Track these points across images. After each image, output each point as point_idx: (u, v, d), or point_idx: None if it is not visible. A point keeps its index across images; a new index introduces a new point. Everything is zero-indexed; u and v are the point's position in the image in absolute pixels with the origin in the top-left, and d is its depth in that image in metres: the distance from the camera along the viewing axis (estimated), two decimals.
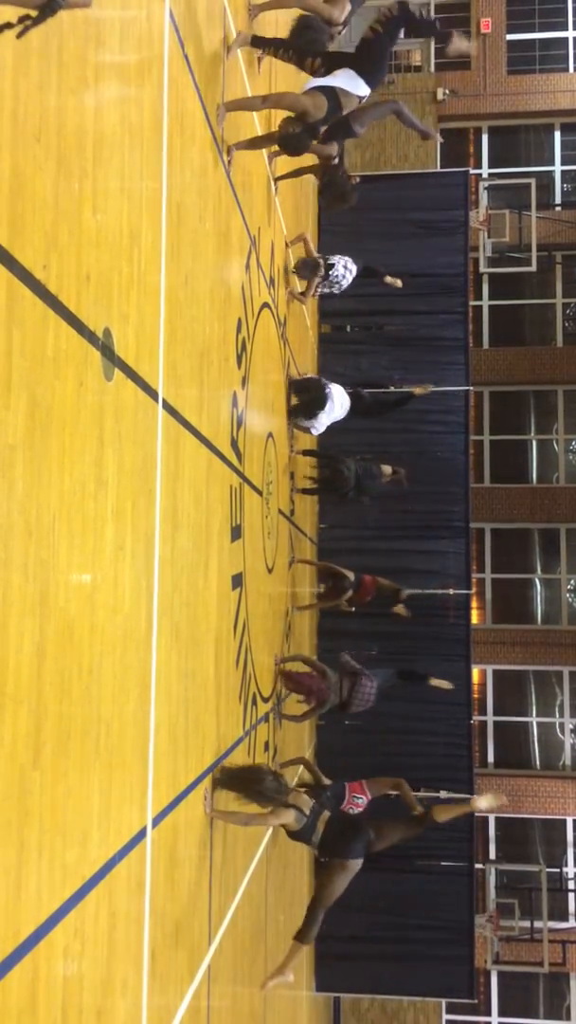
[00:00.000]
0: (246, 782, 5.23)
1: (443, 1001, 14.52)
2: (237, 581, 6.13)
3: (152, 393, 3.88)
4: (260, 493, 7.35)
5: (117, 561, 3.42)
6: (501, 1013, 15.35)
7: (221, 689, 5.58)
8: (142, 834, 3.76)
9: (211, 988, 5.12)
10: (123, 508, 3.52)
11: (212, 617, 5.28)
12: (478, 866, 13.09)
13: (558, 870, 15.44)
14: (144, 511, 3.83)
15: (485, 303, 17.76)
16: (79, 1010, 2.98)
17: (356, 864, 5.99)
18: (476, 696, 15.51)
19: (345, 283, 9.64)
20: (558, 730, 16.46)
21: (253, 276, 6.80)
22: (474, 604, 15.11)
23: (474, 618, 14.45)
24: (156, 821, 3.99)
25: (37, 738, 2.63)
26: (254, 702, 6.95)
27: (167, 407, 4.13)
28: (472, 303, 14.25)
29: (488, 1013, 15.30)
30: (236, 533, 6.08)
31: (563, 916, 15.18)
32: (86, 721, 3.06)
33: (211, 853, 5.21)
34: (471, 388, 13.35)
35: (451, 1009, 15.15)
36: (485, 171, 18.06)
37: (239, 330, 6.14)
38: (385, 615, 12.86)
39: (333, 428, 10.20)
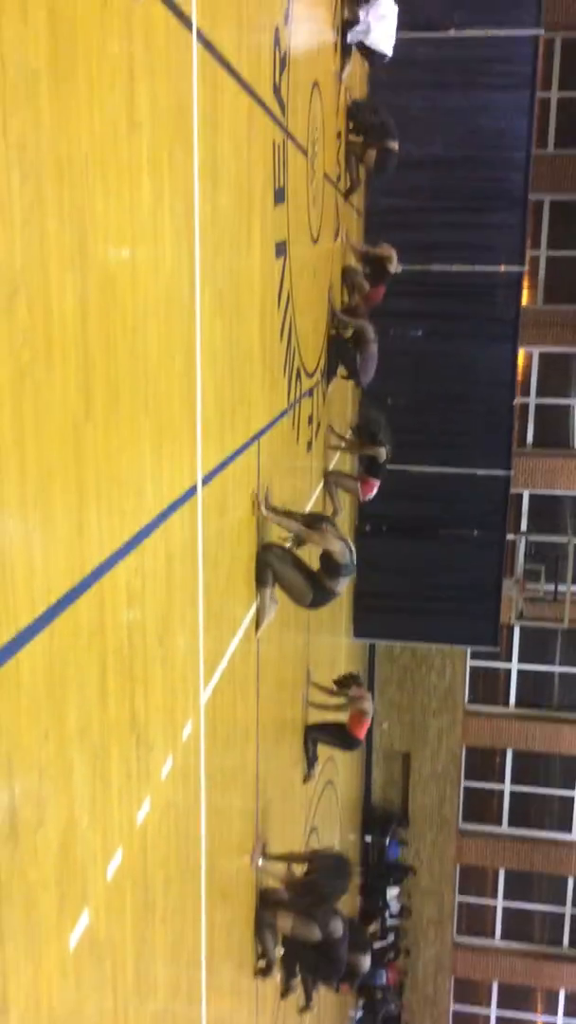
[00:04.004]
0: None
1: (468, 649, 16.09)
2: (281, 249, 5.88)
3: (186, 20, 3.46)
4: (305, 153, 6.82)
5: (156, 215, 3.26)
6: (520, 660, 17.05)
7: (266, 360, 5.58)
8: (193, 491, 3.95)
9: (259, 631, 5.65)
10: (159, 157, 3.28)
11: (255, 285, 5.14)
12: (509, 536, 13.82)
13: None
14: (182, 162, 3.58)
15: None
16: (143, 635, 3.31)
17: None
18: (520, 379, 15.41)
19: None
20: None
21: None
22: (525, 283, 14.51)
23: (524, 298, 13.95)
24: (206, 480, 4.17)
25: (87, 392, 2.67)
26: (298, 376, 6.98)
27: (202, 39, 3.69)
28: None
29: (509, 660, 17.00)
30: (279, 196, 5.72)
31: None
32: (134, 380, 3.09)
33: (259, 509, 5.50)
34: (541, 32, 11.77)
35: (475, 656, 16.84)
36: None
37: None
38: (433, 294, 12.51)
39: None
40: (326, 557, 5.71)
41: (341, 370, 9.13)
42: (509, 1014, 18.27)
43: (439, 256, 12.37)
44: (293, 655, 7.66)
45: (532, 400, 16.20)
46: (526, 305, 14.57)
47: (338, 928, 5.84)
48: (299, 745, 8.09)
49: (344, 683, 8.20)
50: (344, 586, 5.93)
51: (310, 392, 7.73)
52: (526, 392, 16.09)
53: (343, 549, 5.65)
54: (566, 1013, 17.95)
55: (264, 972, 6.10)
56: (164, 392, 3.43)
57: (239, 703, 5.24)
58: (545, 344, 15.84)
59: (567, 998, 17.87)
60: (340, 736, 8.15)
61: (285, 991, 7.09)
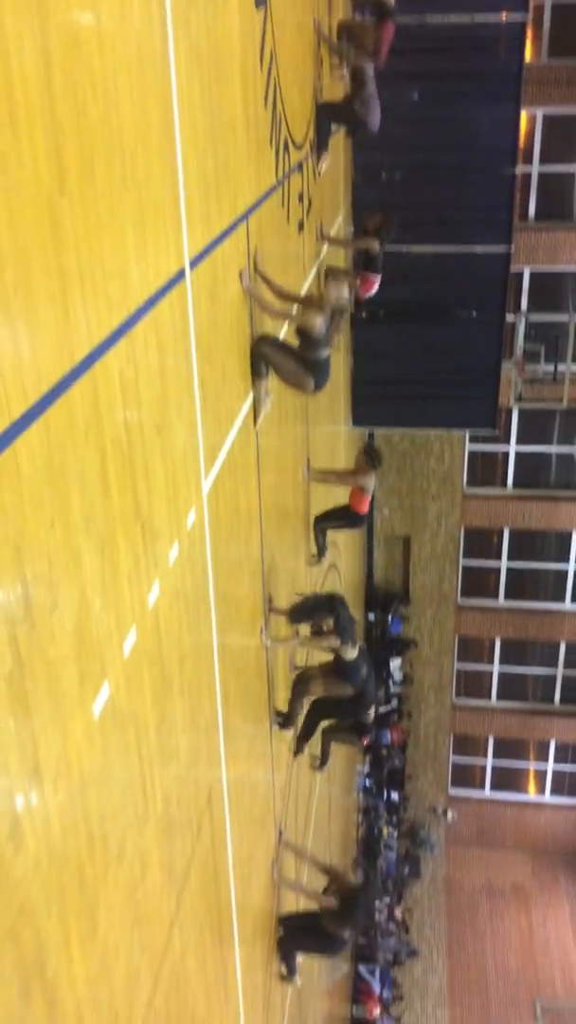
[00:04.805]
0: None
1: (467, 433, 16.15)
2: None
3: None
4: None
5: None
6: (519, 442, 17.16)
7: (250, 129, 5.19)
8: (181, 275, 3.78)
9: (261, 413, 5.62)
10: None
11: (235, 41, 4.68)
12: (509, 317, 13.48)
13: None
14: None
15: None
16: (140, 426, 3.28)
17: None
18: (521, 145, 14.43)
19: None
20: None
21: None
22: (529, 34, 13.27)
23: (527, 52, 12.83)
24: (194, 263, 3.98)
25: (59, 162, 2.48)
26: (286, 148, 6.53)
27: None
28: None
29: (507, 442, 17.11)
30: None
31: None
32: (109, 149, 2.87)
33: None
34: None
35: (473, 440, 16.94)
36: None
37: None
38: (427, 50, 11.48)
39: None
40: (302, 333, 5.59)
41: (335, 129, 8.53)
42: (504, 763, 19.98)
43: (433, 4, 11.26)
44: (293, 445, 7.69)
45: (535, 168, 15.28)
46: (529, 60, 13.45)
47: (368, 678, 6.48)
48: (302, 531, 8.30)
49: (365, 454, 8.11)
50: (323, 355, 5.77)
51: (299, 166, 7.27)
52: (528, 159, 15.13)
53: (322, 324, 5.52)
54: (556, 760, 19.63)
55: (282, 725, 6.70)
56: (142, 163, 3.20)
57: (241, 492, 5.31)
58: (550, 104, 14.72)
59: (557, 747, 19.47)
60: (345, 516, 8.37)
61: (297, 750, 7.70)
